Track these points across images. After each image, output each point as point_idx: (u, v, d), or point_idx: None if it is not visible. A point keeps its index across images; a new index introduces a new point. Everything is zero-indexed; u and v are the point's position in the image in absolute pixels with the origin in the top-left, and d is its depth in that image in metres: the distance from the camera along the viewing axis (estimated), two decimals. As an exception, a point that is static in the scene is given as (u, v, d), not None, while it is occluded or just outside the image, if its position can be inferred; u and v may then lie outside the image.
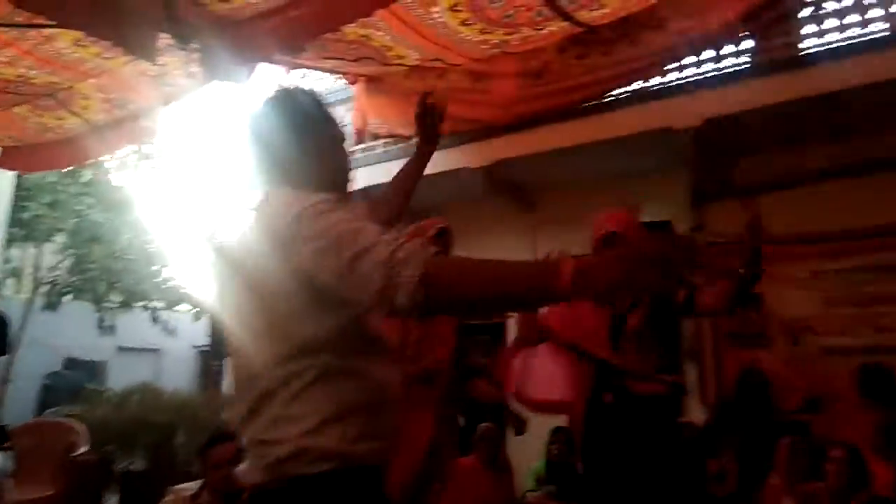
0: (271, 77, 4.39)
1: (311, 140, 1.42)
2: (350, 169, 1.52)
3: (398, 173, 1.90)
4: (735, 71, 4.55)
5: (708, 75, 4.65)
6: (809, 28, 4.38)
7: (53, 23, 2.94)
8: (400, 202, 1.86)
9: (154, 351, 12.11)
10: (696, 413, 5.18)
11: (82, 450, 5.22)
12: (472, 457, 4.16)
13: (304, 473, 1.25)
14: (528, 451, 4.76)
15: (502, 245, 6.05)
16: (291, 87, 1.50)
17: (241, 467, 2.78)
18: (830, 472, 3.16)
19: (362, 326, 1.32)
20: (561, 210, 5.81)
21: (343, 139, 1.51)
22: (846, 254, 4.84)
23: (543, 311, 2.56)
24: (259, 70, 3.68)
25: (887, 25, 4.10)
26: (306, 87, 1.58)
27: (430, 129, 1.86)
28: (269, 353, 1.28)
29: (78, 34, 3.18)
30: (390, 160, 5.60)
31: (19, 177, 7.02)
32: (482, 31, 3.67)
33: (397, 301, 1.11)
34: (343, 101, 5.79)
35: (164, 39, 3.42)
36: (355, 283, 1.15)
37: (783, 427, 4.36)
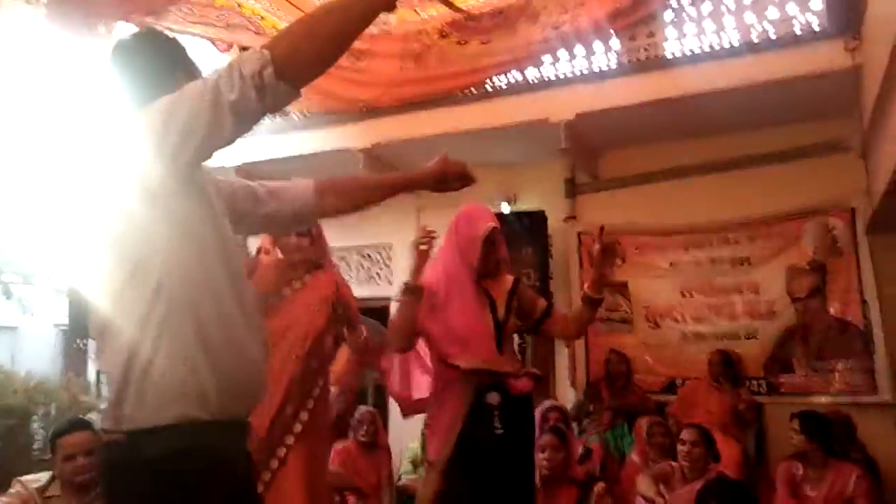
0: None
1: (172, 80, 1.30)
2: None
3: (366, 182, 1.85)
4: (604, 69, 4.75)
5: (580, 71, 4.83)
6: (671, 32, 4.64)
7: None
8: (357, 202, 1.66)
9: (10, 329, 11.17)
10: (567, 394, 5.42)
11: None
12: (351, 440, 4.16)
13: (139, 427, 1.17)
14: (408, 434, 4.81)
15: (388, 227, 6.03)
16: (151, 31, 1.42)
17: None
18: (681, 452, 3.37)
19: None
20: (441, 195, 5.85)
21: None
22: (700, 246, 5.20)
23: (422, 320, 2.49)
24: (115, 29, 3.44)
25: (737, 35, 4.42)
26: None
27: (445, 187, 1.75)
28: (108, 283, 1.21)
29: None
30: (272, 133, 5.43)
31: None
32: (359, 9, 3.60)
33: (262, 91, 1.11)
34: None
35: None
36: (220, 105, 1.13)
37: (643, 408, 4.66)
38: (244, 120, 1.17)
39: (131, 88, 1.34)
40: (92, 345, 7.02)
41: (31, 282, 8.28)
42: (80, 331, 7.04)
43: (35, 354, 10.62)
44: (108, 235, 1.21)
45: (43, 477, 2.63)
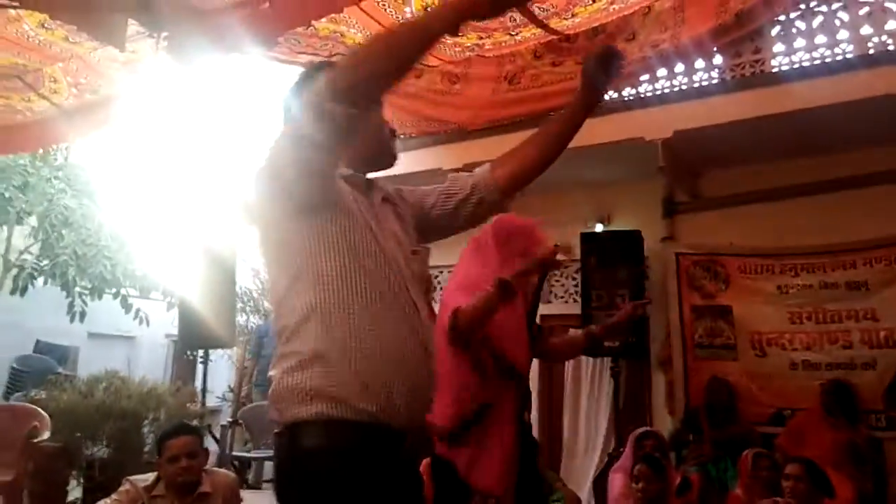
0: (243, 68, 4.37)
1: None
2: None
3: (539, 132, 1.64)
4: (705, 85, 4.61)
5: (679, 89, 4.70)
6: (779, 47, 4.44)
7: (16, 4, 2.90)
8: (535, 159, 1.58)
9: (128, 338, 11.99)
10: (663, 422, 5.23)
11: (45, 436, 5.16)
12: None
13: (299, 418, 1.23)
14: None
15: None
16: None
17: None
18: (786, 488, 3.19)
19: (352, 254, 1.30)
20: (535, 214, 5.80)
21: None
22: (811, 269, 4.91)
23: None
24: (230, 61, 3.67)
25: (852, 47, 4.17)
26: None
27: (603, 79, 1.53)
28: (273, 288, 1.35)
29: (43, 17, 3.13)
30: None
31: (-12, 158, 6.94)
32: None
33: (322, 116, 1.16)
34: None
35: (134, 26, 3.40)
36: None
37: (748, 439, 4.42)
38: (322, 148, 1.23)
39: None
40: (200, 354, 7.44)
41: (148, 296, 8.92)
42: (188, 342, 7.45)
43: (149, 362, 11.40)
44: (272, 249, 1.35)
45: (150, 477, 2.81)
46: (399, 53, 1.22)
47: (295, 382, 1.25)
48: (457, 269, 2.53)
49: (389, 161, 1.53)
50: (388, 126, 1.53)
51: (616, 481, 3.69)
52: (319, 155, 1.23)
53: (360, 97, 1.20)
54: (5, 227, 7.79)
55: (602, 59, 1.50)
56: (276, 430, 1.30)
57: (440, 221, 1.58)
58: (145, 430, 6.18)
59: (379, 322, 1.28)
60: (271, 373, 1.33)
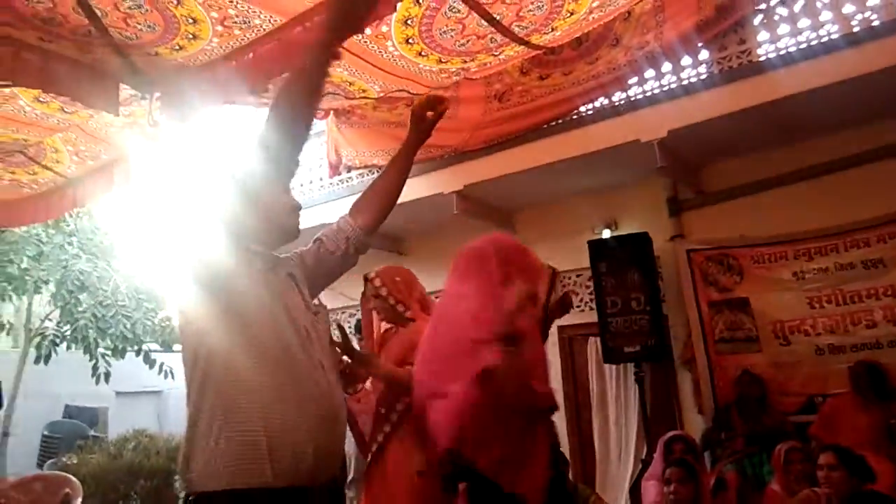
0: (239, 116, 4.44)
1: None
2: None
3: (381, 174, 1.89)
4: (694, 82, 4.61)
5: (669, 88, 4.71)
6: (763, 35, 4.43)
7: (9, 83, 2.98)
8: (383, 200, 1.83)
9: (155, 393, 12.07)
10: (694, 422, 5.16)
11: (77, 503, 5.18)
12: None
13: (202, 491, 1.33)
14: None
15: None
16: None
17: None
18: (820, 478, 3.13)
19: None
20: (540, 227, 5.85)
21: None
22: (824, 252, 4.85)
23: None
24: (225, 111, 3.73)
25: (836, 27, 4.16)
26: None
27: (428, 123, 1.85)
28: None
29: (37, 91, 3.22)
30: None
31: (2, 231, 7.07)
32: (440, 61, 3.71)
33: None
34: (316, 135, 5.87)
35: (127, 90, 3.48)
36: None
37: (781, 431, 4.35)
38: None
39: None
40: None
41: (171, 349, 9.01)
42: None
43: (177, 416, 11.44)
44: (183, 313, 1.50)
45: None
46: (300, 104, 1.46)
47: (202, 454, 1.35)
48: (445, 297, 2.53)
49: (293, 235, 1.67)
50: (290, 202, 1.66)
51: (649, 489, 3.64)
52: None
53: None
54: (25, 298, 7.93)
55: (428, 104, 1.83)
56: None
57: (326, 279, 1.79)
58: (176, 485, 6.21)
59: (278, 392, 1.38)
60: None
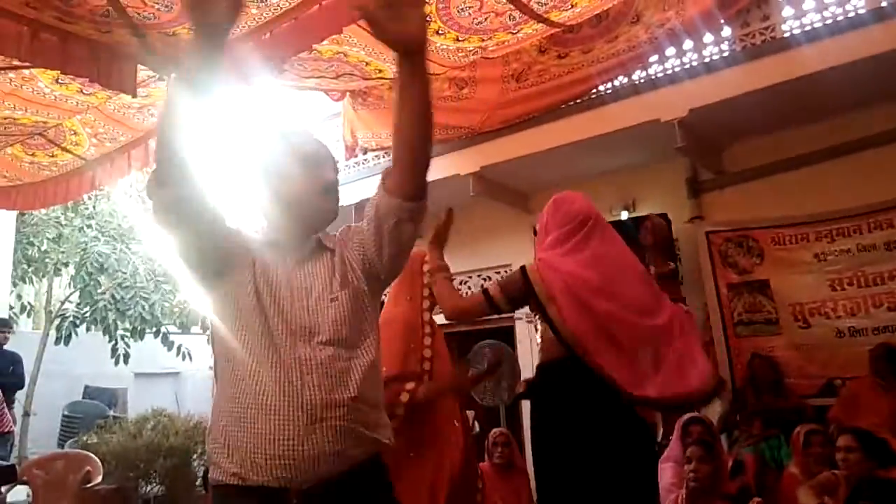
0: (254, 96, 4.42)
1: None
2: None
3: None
4: (716, 59, 4.53)
5: (690, 66, 4.63)
6: (787, 11, 4.33)
7: (28, 64, 2.99)
8: (398, 146, 1.44)
9: (173, 374, 12.21)
10: (712, 405, 5.13)
11: (98, 480, 5.28)
12: (487, 462, 4.16)
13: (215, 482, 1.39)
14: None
15: (506, 248, 6.05)
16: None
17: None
18: (839, 460, 3.10)
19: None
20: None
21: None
22: (845, 234, 4.78)
23: None
24: (242, 91, 3.72)
25: (864, 2, 4.05)
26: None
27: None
28: None
29: (56, 73, 3.22)
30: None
31: (22, 214, 7.15)
32: (457, 40, 3.67)
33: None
34: (333, 117, 5.84)
35: (145, 71, 3.48)
36: None
37: (799, 414, 4.32)
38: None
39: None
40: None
41: (189, 331, 9.10)
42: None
43: (195, 396, 11.55)
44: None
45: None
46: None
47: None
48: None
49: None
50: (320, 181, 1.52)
51: (666, 471, 3.62)
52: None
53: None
54: (45, 280, 8.03)
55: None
56: None
57: (387, 253, 1.52)
58: (195, 464, 6.28)
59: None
60: None
